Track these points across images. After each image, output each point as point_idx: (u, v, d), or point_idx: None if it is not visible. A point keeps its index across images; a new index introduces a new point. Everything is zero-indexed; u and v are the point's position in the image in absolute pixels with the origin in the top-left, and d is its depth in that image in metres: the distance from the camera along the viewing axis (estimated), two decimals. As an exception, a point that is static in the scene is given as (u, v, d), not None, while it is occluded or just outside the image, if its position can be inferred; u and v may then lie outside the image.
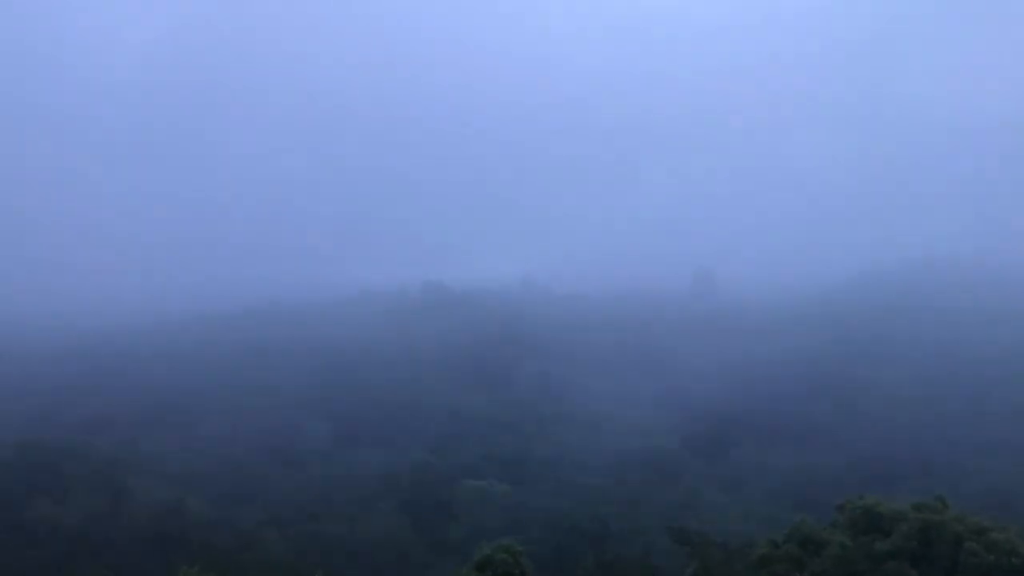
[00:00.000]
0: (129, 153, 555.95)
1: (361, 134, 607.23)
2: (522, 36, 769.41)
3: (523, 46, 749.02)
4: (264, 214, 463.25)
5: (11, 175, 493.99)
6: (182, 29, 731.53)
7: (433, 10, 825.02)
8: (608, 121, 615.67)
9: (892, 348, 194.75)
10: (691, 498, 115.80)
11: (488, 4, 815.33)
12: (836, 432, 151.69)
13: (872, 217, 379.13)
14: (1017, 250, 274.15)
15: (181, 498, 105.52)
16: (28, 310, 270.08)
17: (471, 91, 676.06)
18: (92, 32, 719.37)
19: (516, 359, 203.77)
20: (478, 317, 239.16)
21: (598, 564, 76.19)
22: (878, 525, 53.01)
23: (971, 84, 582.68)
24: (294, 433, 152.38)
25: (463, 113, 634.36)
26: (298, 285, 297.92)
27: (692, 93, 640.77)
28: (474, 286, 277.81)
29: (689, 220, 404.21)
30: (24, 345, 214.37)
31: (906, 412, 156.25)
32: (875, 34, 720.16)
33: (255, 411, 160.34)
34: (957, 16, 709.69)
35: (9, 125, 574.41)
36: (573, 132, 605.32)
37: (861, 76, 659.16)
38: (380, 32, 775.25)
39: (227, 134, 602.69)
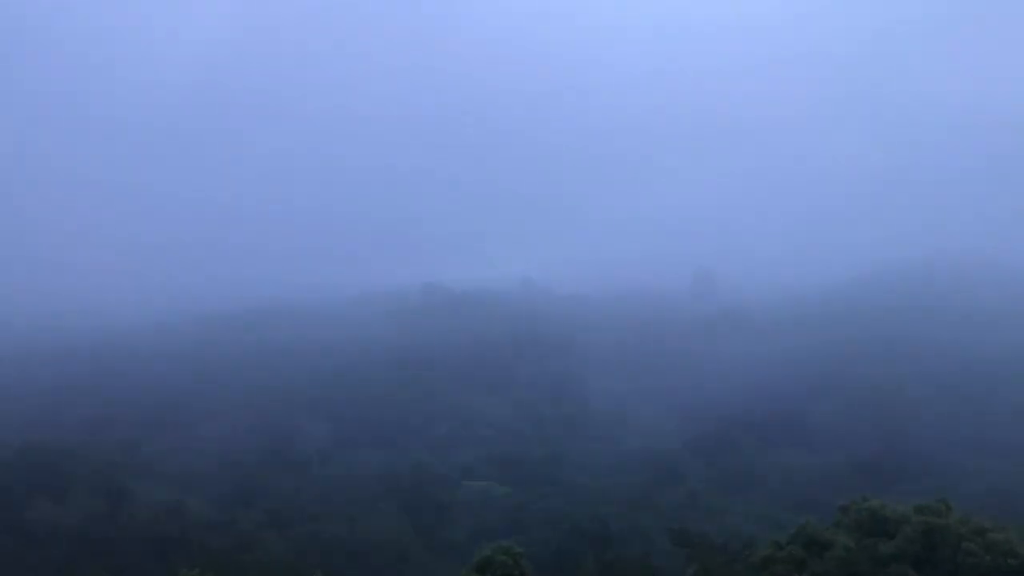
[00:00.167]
0: (129, 153, 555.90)
1: (361, 134, 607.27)
2: (522, 37, 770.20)
3: (523, 47, 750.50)
4: (264, 215, 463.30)
5: (11, 175, 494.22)
6: (182, 29, 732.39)
7: (433, 11, 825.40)
8: (608, 122, 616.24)
9: (893, 349, 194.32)
10: (692, 499, 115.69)
11: (489, 4, 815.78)
12: (837, 433, 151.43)
13: (872, 218, 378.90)
14: (1019, 250, 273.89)
15: (181, 499, 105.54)
16: (29, 311, 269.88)
17: (471, 92, 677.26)
18: (93, 32, 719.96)
19: (516, 360, 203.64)
20: (478, 318, 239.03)
21: (599, 565, 76.01)
22: (882, 527, 52.82)
23: (975, 84, 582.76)
24: (294, 434, 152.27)
25: (463, 114, 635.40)
26: (298, 286, 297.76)
27: (693, 93, 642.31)
28: (474, 287, 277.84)
29: (689, 221, 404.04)
30: (25, 346, 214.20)
31: (907, 413, 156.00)
32: (877, 34, 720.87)
33: (255, 412, 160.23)
34: (961, 16, 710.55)
35: (9, 125, 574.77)
36: (573, 133, 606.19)
37: (863, 76, 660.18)
38: (380, 32, 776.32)
39: (227, 134, 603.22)
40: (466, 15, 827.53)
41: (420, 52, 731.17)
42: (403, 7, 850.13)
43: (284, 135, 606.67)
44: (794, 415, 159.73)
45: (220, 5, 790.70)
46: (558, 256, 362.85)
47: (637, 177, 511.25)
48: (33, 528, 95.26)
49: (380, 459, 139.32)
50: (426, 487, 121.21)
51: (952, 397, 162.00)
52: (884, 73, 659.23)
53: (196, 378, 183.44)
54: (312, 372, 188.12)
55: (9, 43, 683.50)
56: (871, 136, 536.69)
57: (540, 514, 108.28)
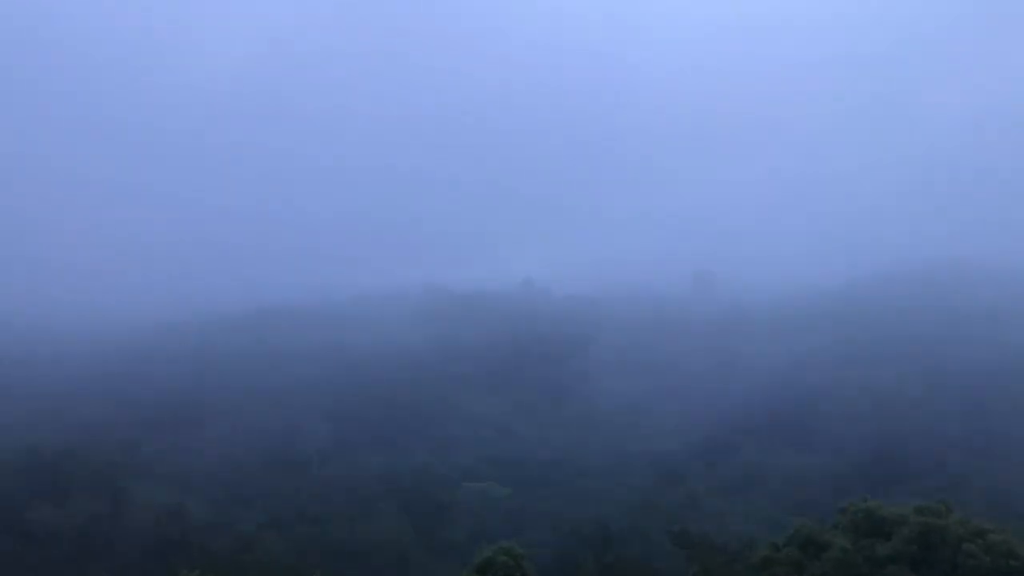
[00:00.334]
0: (129, 153, 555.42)
1: (362, 135, 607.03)
2: (523, 37, 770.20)
3: (524, 47, 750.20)
4: (264, 215, 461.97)
5: (11, 175, 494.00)
6: (181, 29, 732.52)
7: (433, 10, 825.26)
8: (610, 122, 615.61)
9: (893, 349, 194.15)
10: (693, 500, 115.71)
11: (489, 5, 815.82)
12: (839, 433, 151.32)
13: (873, 218, 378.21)
14: (1020, 250, 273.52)
15: (181, 501, 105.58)
16: (29, 311, 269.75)
17: (471, 92, 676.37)
18: (93, 33, 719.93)
19: (517, 361, 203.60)
20: (479, 319, 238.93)
21: (599, 567, 76.08)
22: (880, 528, 52.80)
23: (985, 86, 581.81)
24: (294, 435, 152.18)
25: (463, 114, 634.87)
26: (297, 286, 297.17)
27: (694, 94, 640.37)
28: (475, 288, 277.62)
29: (691, 222, 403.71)
30: (25, 346, 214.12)
31: (907, 413, 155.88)
32: (888, 37, 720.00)
33: (255, 413, 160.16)
34: (970, 20, 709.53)
35: (9, 125, 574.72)
36: (573, 134, 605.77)
37: (869, 77, 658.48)
38: (380, 32, 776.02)
39: (227, 135, 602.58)
40: (466, 15, 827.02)
41: (420, 52, 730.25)
42: (403, 7, 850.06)
43: (284, 135, 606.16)
44: (795, 416, 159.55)
45: (219, 6, 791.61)
46: (559, 256, 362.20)
47: (639, 178, 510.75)
48: (33, 529, 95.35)
49: (380, 460, 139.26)
50: (427, 488, 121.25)
51: (952, 398, 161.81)
52: (893, 75, 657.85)
53: (196, 379, 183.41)
54: (312, 373, 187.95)
55: (9, 43, 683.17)
56: (871, 138, 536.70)
57: (541, 515, 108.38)
